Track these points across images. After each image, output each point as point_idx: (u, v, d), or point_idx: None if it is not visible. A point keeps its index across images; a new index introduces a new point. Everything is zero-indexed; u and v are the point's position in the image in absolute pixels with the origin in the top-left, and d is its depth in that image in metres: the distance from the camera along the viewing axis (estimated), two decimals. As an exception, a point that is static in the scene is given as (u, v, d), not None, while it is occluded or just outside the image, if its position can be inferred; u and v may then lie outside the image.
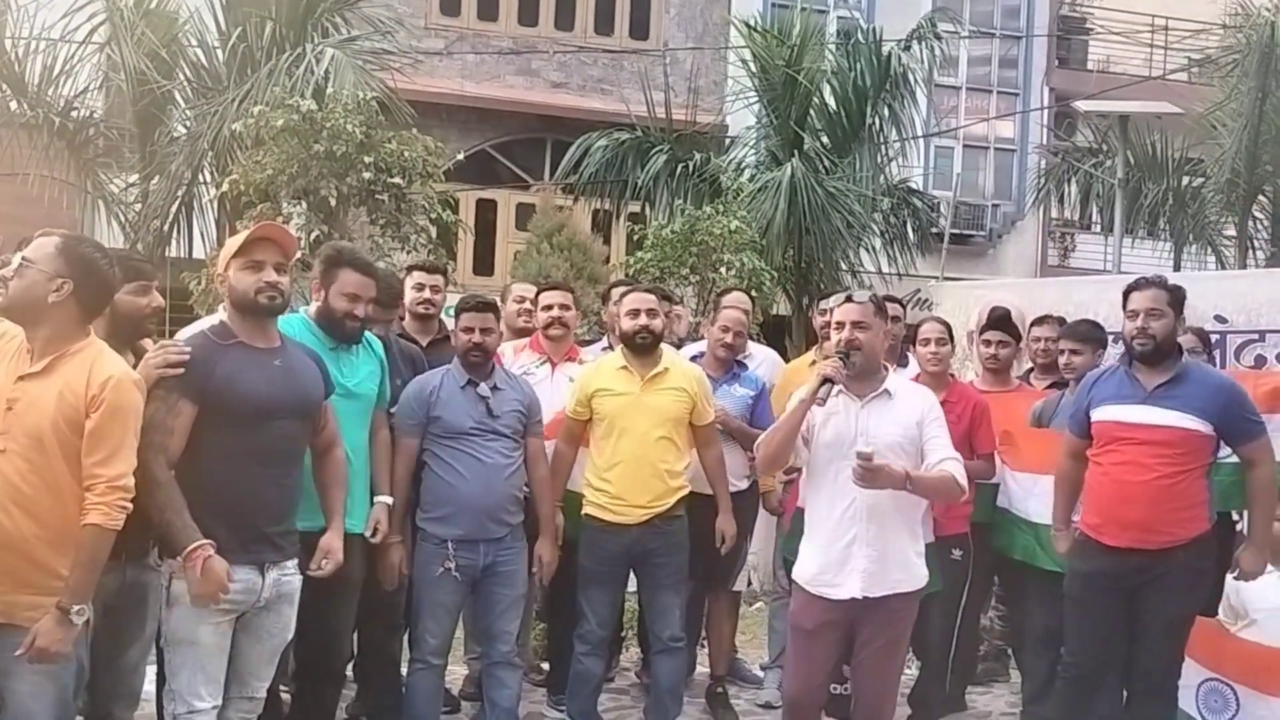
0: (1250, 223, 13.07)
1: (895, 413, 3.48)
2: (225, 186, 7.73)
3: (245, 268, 3.17)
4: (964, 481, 3.52)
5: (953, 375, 4.82)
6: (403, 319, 4.71)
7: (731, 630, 5.28)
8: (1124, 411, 3.83)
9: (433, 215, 8.06)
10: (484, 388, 4.09)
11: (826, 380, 3.40)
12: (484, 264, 15.29)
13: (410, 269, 4.86)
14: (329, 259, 3.75)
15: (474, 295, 4.32)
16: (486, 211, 15.42)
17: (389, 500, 3.90)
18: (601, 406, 4.26)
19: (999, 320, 4.98)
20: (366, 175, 7.51)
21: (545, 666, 5.12)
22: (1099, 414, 3.91)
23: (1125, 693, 4.18)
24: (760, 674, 5.34)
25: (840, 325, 3.50)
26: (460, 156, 10.53)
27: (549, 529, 4.22)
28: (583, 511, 4.33)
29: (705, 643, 5.18)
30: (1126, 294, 3.91)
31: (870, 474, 3.29)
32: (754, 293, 7.37)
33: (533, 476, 4.20)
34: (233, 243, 3.27)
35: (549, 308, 4.75)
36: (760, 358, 5.31)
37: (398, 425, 4.04)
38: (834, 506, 3.47)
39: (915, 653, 4.63)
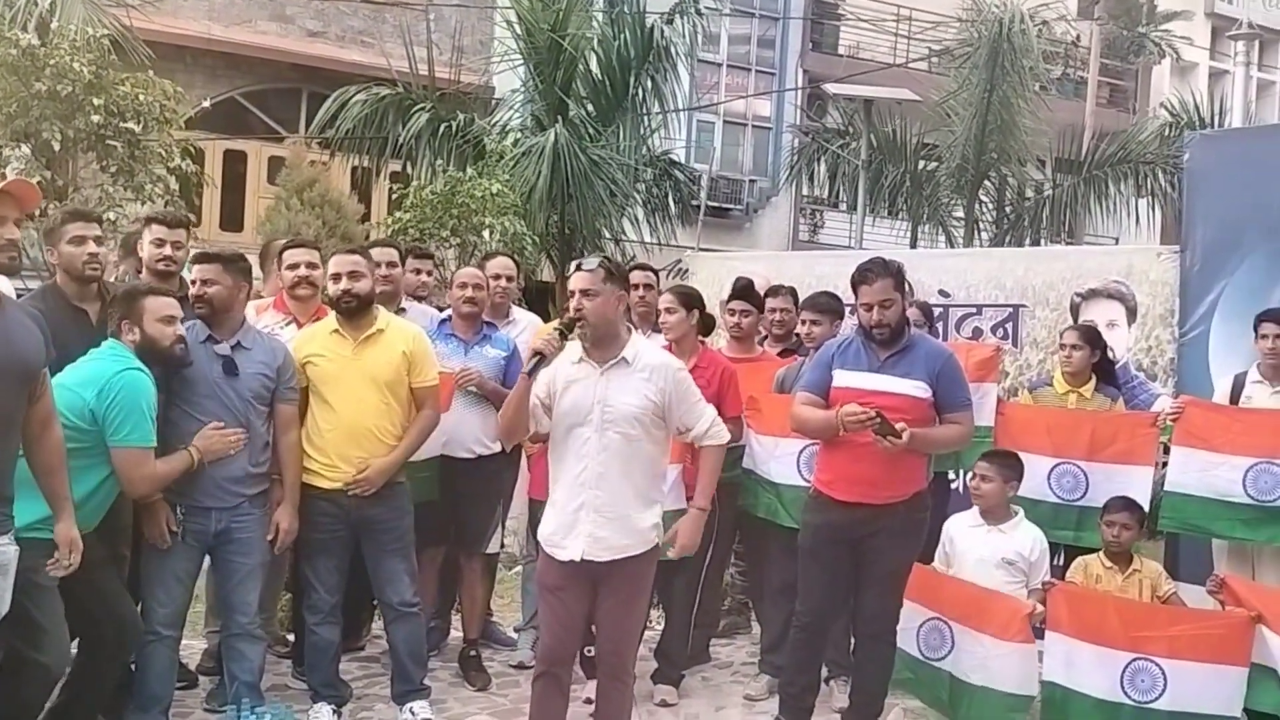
0: (976, 206, 14.15)
1: (634, 381, 3.51)
2: (-67, 123, 6.98)
3: None
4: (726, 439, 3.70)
5: (703, 341, 4.96)
6: (139, 273, 4.41)
7: (486, 593, 5.27)
8: (859, 379, 4.10)
9: (171, 165, 7.55)
10: (224, 345, 3.91)
11: (537, 354, 3.42)
12: (233, 219, 14.48)
13: (149, 220, 4.51)
14: (128, 296, 3.62)
15: (206, 249, 4.11)
16: (236, 164, 14.60)
17: None
18: (313, 372, 4.12)
19: (742, 290, 5.17)
20: (96, 119, 6.97)
21: (290, 638, 4.96)
22: (840, 380, 4.16)
23: (851, 638, 4.50)
24: (514, 636, 5.37)
25: (573, 294, 3.53)
26: (206, 104, 9.97)
27: (290, 495, 4.08)
28: (301, 480, 4.18)
29: (460, 607, 5.16)
30: (855, 286, 4.13)
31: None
32: (517, 258, 7.34)
33: (280, 441, 4.05)
34: None
35: (295, 266, 4.54)
36: (523, 323, 5.32)
37: None
38: (568, 471, 3.52)
39: (663, 608, 4.81)
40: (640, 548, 3.56)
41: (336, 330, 4.18)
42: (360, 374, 4.13)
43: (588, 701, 4.12)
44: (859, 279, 4.11)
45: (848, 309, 5.08)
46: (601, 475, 3.47)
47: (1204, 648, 4.09)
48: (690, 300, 4.81)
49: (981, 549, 4.41)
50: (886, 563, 4.10)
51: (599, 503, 3.48)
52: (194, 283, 3.94)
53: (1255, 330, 4.77)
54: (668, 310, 4.76)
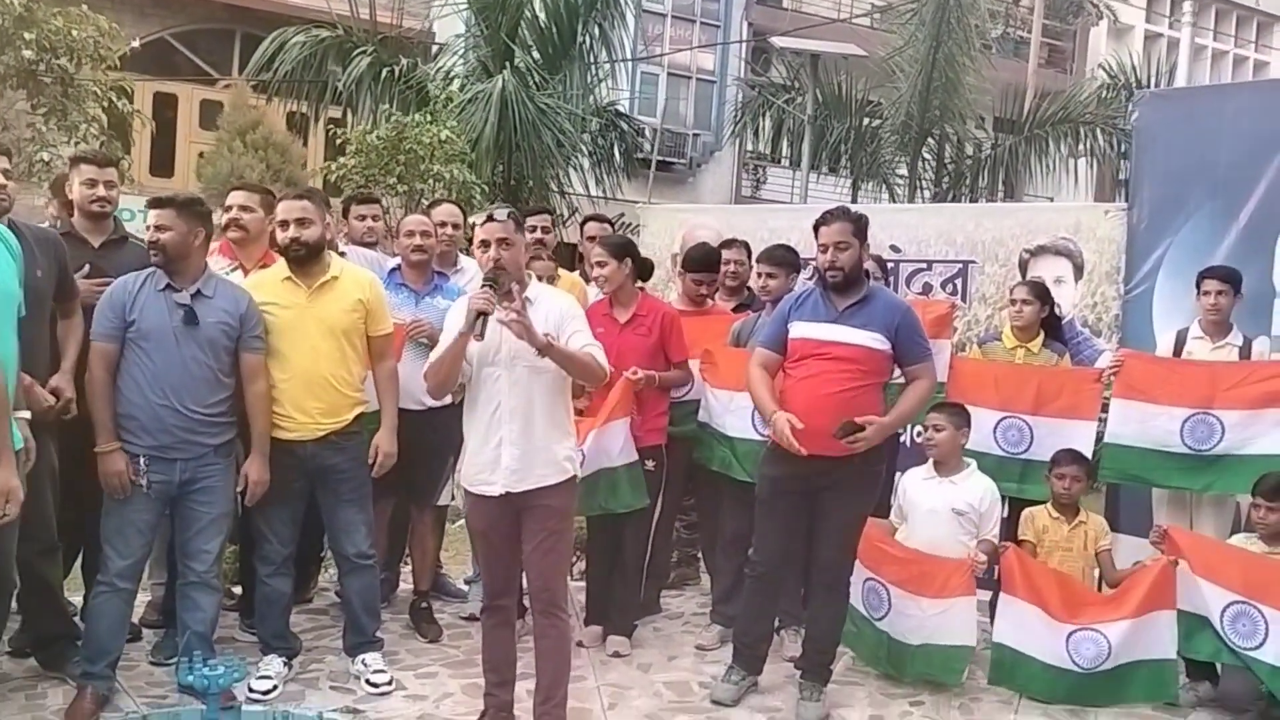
0: (919, 163, 14.25)
1: (536, 317, 3.53)
2: None
3: None
4: (604, 363, 3.65)
5: (641, 288, 4.90)
6: (71, 215, 4.24)
7: (436, 545, 5.23)
8: (817, 329, 4.10)
9: (105, 104, 7.27)
10: (184, 294, 3.80)
11: (481, 314, 3.41)
12: (163, 164, 14.06)
13: (76, 160, 4.32)
14: None
15: (159, 195, 3.96)
16: (165, 107, 14.14)
17: (27, 415, 3.48)
18: (266, 321, 4.01)
19: (703, 259, 5.19)
20: (27, 54, 6.64)
21: (237, 590, 4.88)
22: (795, 331, 4.16)
23: (804, 589, 4.55)
24: (465, 588, 5.35)
25: (485, 244, 3.52)
26: (135, 44, 9.62)
27: (260, 446, 3.98)
28: (269, 430, 4.11)
29: (409, 559, 5.12)
30: (816, 227, 4.15)
31: (520, 327, 3.36)
32: (464, 206, 7.22)
33: (247, 391, 3.95)
34: None
35: (229, 208, 4.42)
36: (471, 271, 5.21)
37: (94, 328, 3.72)
38: (485, 410, 3.57)
39: (615, 560, 4.81)
40: (557, 477, 3.61)
41: (289, 278, 4.08)
42: (315, 322, 4.04)
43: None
44: (820, 221, 4.14)
45: (803, 263, 5.08)
46: (514, 409, 3.54)
47: (1135, 601, 4.22)
48: (621, 250, 4.76)
49: (933, 499, 4.48)
50: (842, 514, 4.14)
51: (514, 435, 3.53)
52: (148, 228, 3.80)
53: (1198, 286, 4.87)
54: (599, 263, 4.71)
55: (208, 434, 3.84)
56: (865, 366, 4.05)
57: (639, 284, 4.86)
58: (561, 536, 3.69)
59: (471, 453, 3.64)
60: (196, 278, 3.86)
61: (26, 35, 6.59)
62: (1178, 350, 4.96)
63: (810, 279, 4.96)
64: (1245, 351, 4.82)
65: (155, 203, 3.88)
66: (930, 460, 4.59)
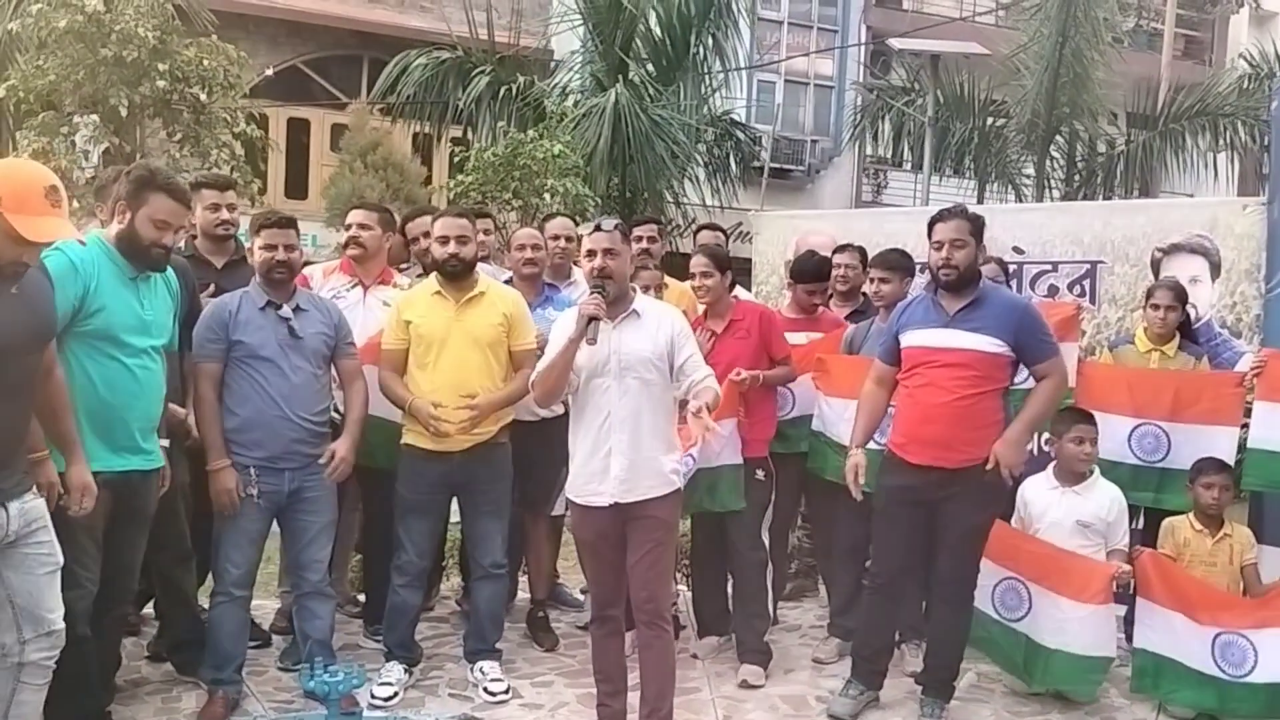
0: (1047, 162, 13.78)
1: (645, 329, 3.61)
2: (2, 93, 7.05)
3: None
4: (719, 390, 3.68)
5: (735, 297, 4.84)
6: (194, 238, 4.43)
7: (552, 555, 5.28)
8: (929, 336, 3.98)
9: (236, 130, 7.59)
10: (286, 309, 3.94)
11: (592, 319, 3.48)
12: (297, 187, 14.63)
13: (198, 185, 4.52)
14: (141, 180, 3.44)
15: (273, 211, 4.12)
16: (299, 131, 14.73)
17: (165, 442, 3.68)
18: (416, 333, 4.16)
19: (815, 270, 5.11)
20: (161, 84, 7.00)
21: (361, 598, 5.00)
22: (907, 339, 4.05)
23: (925, 602, 4.42)
24: (581, 597, 5.36)
25: (592, 254, 3.60)
26: (269, 72, 10.04)
27: (352, 432, 4.07)
28: (402, 441, 4.22)
29: (526, 568, 5.17)
30: (931, 224, 4.04)
31: None
32: (578, 219, 7.30)
33: (347, 391, 4.11)
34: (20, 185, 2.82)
35: (348, 227, 4.59)
36: (584, 284, 5.26)
37: (196, 350, 3.88)
38: (593, 421, 3.59)
39: (731, 572, 4.75)
40: (664, 488, 3.62)
41: (438, 292, 4.21)
42: (464, 334, 4.16)
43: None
44: (935, 218, 4.04)
45: (918, 266, 4.96)
46: (625, 419, 3.56)
47: None
48: (722, 262, 4.72)
49: (1057, 511, 4.31)
50: (961, 526, 4.00)
51: (623, 445, 3.56)
52: (272, 247, 3.94)
53: None
54: (704, 274, 4.65)
55: (313, 443, 3.96)
56: (980, 372, 3.90)
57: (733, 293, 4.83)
58: (666, 548, 3.70)
59: (579, 464, 3.66)
60: (294, 294, 4.01)
61: (160, 66, 6.94)
62: (1322, 351, 4.66)
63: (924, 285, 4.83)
64: (1392, 350, 4.50)
65: (284, 222, 4.02)
66: (1051, 468, 4.41)
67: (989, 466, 3.85)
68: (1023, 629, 4.33)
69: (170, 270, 3.64)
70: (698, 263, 4.70)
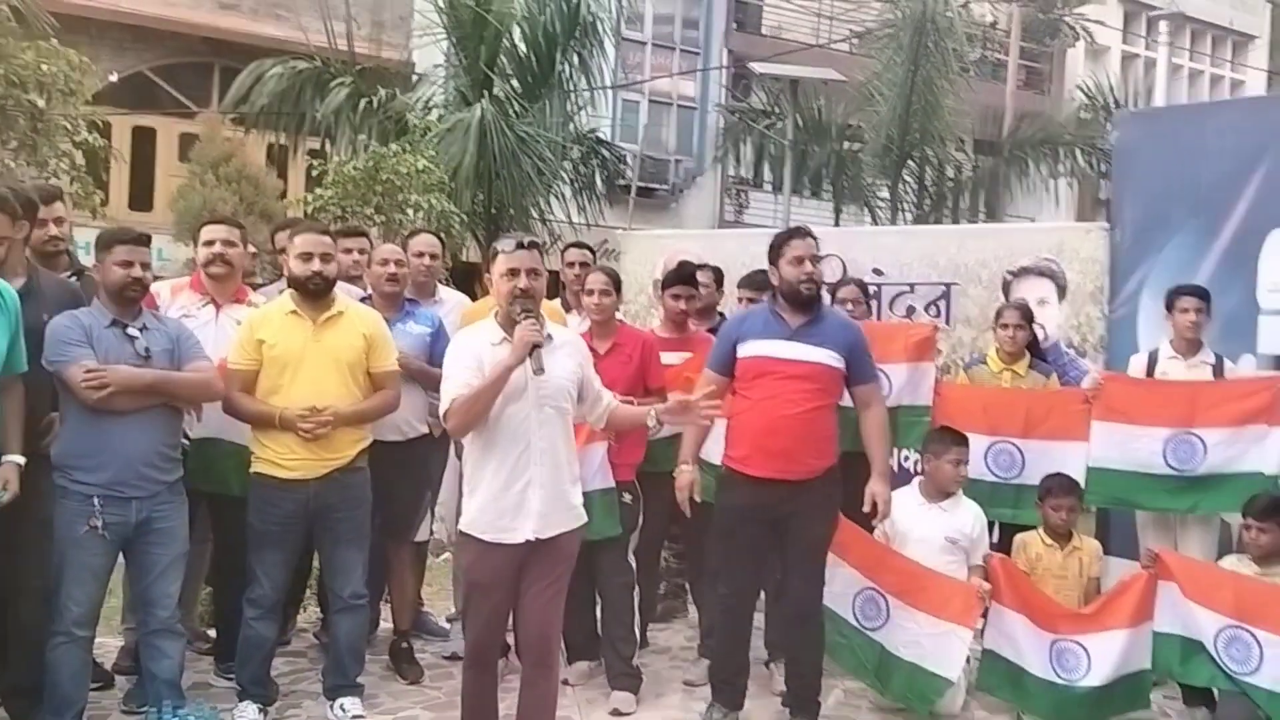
0: (900, 185, 14.27)
1: (559, 356, 3.47)
2: None
3: None
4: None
5: (620, 321, 4.86)
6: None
7: (416, 583, 5.12)
8: (772, 347, 4.04)
9: (77, 139, 7.18)
10: (133, 328, 3.73)
11: (535, 347, 3.31)
12: (142, 199, 13.96)
13: None
14: None
15: (126, 228, 3.88)
16: (145, 141, 14.07)
17: (19, 460, 3.48)
18: (271, 354, 3.97)
19: (689, 275, 5.09)
20: (-5, 89, 6.57)
21: (212, 634, 4.75)
22: (747, 349, 4.09)
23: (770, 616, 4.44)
24: (447, 626, 5.23)
25: (514, 273, 3.41)
26: (113, 78, 9.58)
27: (165, 385, 3.76)
28: (252, 469, 4.03)
29: (389, 597, 5.01)
30: (785, 241, 4.11)
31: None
32: (443, 236, 7.16)
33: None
34: None
35: (210, 243, 4.34)
36: (451, 302, 5.16)
37: (65, 356, 3.58)
38: (509, 452, 3.40)
39: (599, 595, 4.69)
40: (575, 522, 3.54)
41: (294, 311, 4.03)
42: (321, 355, 3.99)
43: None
44: (791, 235, 4.13)
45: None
46: (544, 450, 3.41)
47: (1117, 615, 4.20)
48: (618, 282, 4.76)
49: (925, 527, 4.41)
50: (809, 539, 4.07)
51: (544, 478, 3.40)
52: (127, 264, 3.71)
53: (1170, 306, 4.85)
54: (603, 293, 4.64)
55: (164, 469, 3.75)
56: (822, 385, 4.02)
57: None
58: (564, 585, 3.58)
59: (488, 498, 3.42)
60: (140, 313, 3.80)
61: (-7, 71, 6.53)
62: (1150, 369, 4.94)
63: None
64: (1218, 369, 4.81)
65: (141, 239, 3.80)
66: (918, 484, 4.52)
67: (865, 509, 4.00)
68: (878, 638, 4.41)
69: (5, 287, 3.40)
70: (596, 280, 4.66)
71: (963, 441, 4.49)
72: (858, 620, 4.44)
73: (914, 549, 4.40)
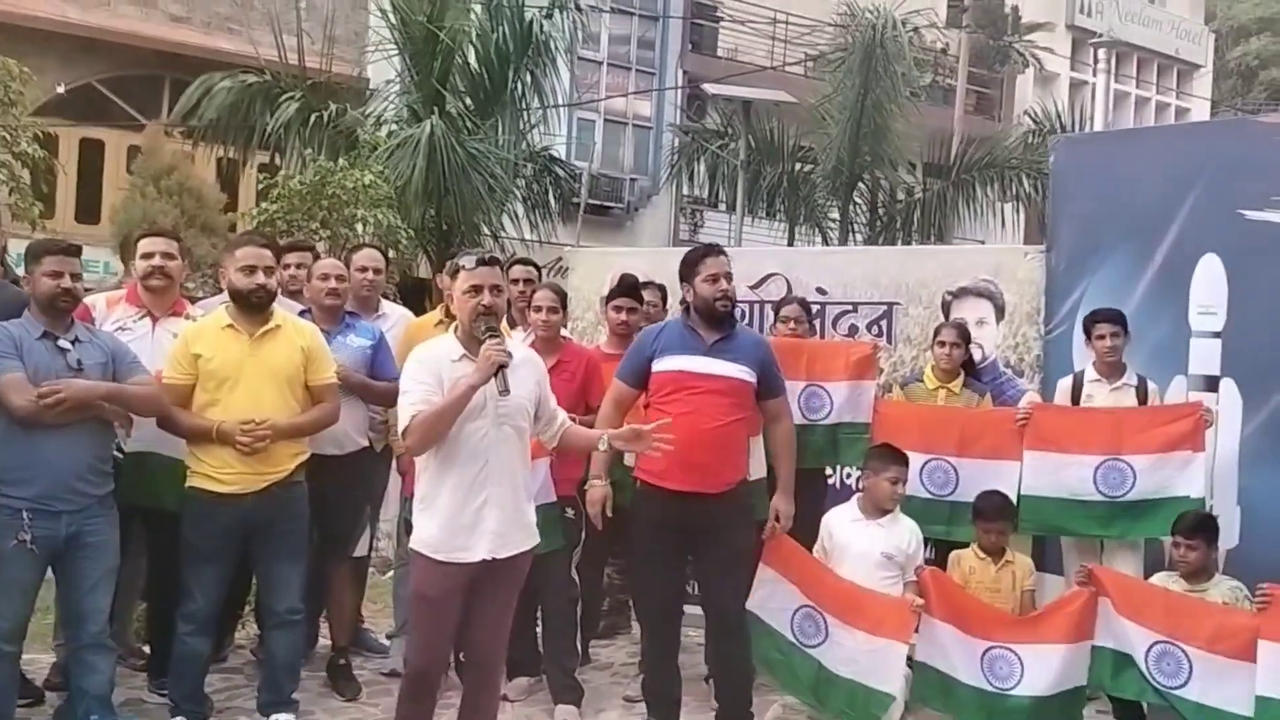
0: (851, 207, 14.43)
1: (520, 375, 3.45)
2: None
3: None
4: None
5: (566, 337, 4.89)
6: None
7: (355, 599, 5.09)
8: (690, 362, 4.09)
9: (17, 149, 7.09)
10: (64, 340, 3.70)
11: (501, 367, 3.29)
12: (89, 211, 13.77)
13: None
14: None
15: (55, 238, 3.86)
16: (93, 153, 13.91)
17: None
18: (207, 367, 3.94)
19: (629, 287, 5.11)
20: (-68, 98, 6.48)
21: (147, 650, 4.69)
22: (664, 364, 4.13)
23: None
24: (386, 643, 5.20)
25: (477, 290, 3.39)
26: (60, 89, 9.45)
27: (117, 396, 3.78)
28: (187, 484, 4.00)
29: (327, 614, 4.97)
30: (700, 259, 4.18)
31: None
32: (391, 251, 7.15)
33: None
34: None
35: (149, 255, 4.30)
36: (394, 317, 5.15)
37: (1, 366, 3.56)
38: (466, 470, 3.38)
39: (542, 610, 4.69)
40: (530, 541, 3.54)
41: (230, 325, 4.01)
42: (258, 369, 3.98)
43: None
44: (705, 253, 4.21)
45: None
46: (501, 469, 3.40)
47: (1057, 629, 4.25)
48: (564, 298, 4.81)
49: (863, 543, 4.45)
50: (730, 550, 4.11)
51: (501, 498, 3.39)
52: (57, 275, 3.69)
53: (1089, 331, 4.96)
54: (550, 309, 4.66)
55: (94, 483, 3.72)
56: (738, 400, 4.09)
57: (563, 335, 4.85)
58: (513, 604, 3.58)
59: (444, 516, 3.39)
60: (71, 325, 3.77)
61: (-68, 79, 6.44)
62: (1075, 393, 5.03)
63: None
64: (1141, 390, 4.92)
65: (71, 250, 3.79)
66: (856, 500, 4.56)
67: (770, 523, 4.15)
68: (816, 655, 4.44)
69: None
70: (544, 296, 4.68)
71: (901, 460, 4.54)
72: (796, 637, 4.47)
73: (851, 564, 4.44)
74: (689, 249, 4.43)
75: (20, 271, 4.32)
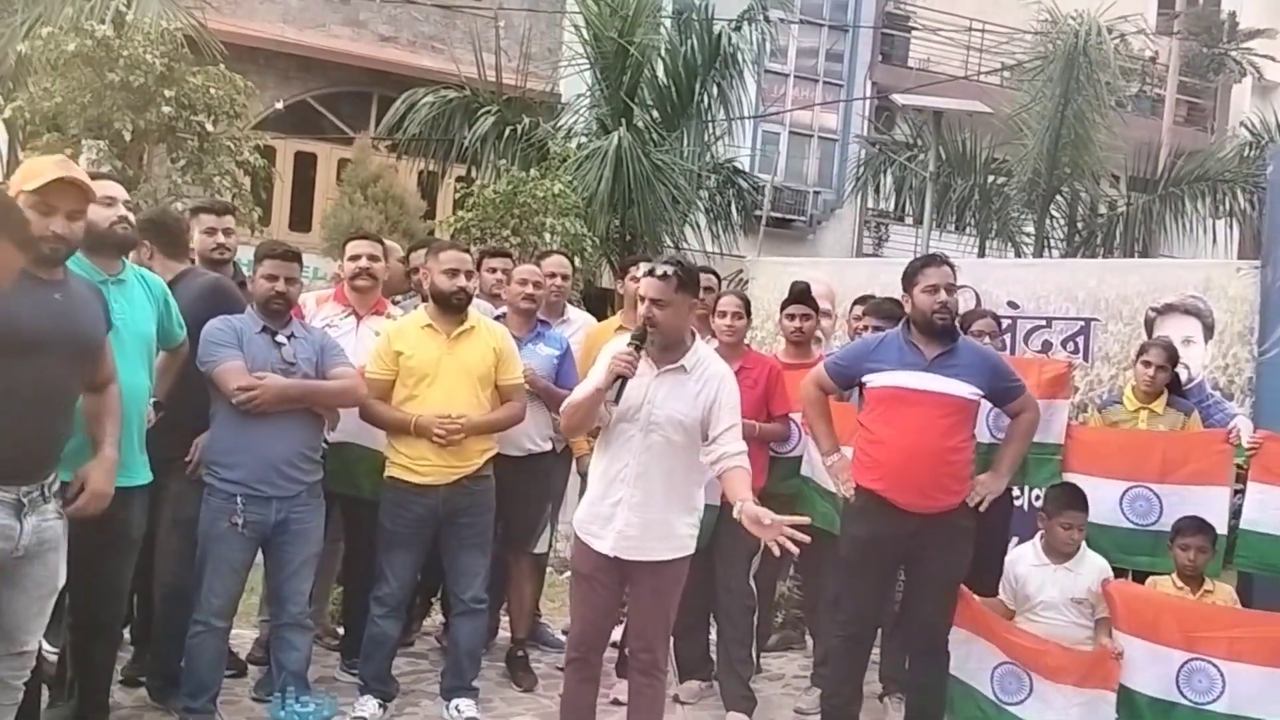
0: (1047, 221, 13.86)
1: (686, 389, 3.45)
2: (8, 113, 7.12)
3: (36, 207, 2.89)
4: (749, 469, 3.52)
5: (748, 345, 4.89)
6: (193, 262, 4.44)
7: (534, 593, 5.23)
8: (909, 378, 3.97)
9: (240, 158, 7.64)
10: (280, 335, 3.95)
11: (619, 378, 3.34)
12: (301, 219, 14.69)
13: (195, 210, 4.55)
14: None
15: (278, 242, 4.13)
16: (306, 165, 14.83)
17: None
18: (407, 364, 4.15)
19: (800, 294, 5.07)
20: (167, 110, 7.06)
21: (341, 631, 4.95)
22: (880, 379, 4.02)
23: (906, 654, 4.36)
24: (562, 638, 5.30)
25: (642, 300, 3.45)
26: (280, 105, 10.09)
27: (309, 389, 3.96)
28: (385, 474, 4.20)
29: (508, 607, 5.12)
30: (920, 269, 4.04)
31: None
32: (576, 259, 7.33)
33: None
34: (28, 175, 2.98)
35: (356, 257, 4.58)
36: (578, 323, 5.28)
37: (216, 357, 3.82)
38: (611, 465, 3.48)
39: (720, 615, 4.69)
40: (672, 553, 3.51)
41: (429, 325, 4.21)
42: (455, 367, 4.16)
43: (615, 702, 4.13)
44: (926, 262, 4.07)
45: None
46: (640, 475, 3.43)
47: (1263, 651, 3.94)
48: (749, 306, 4.81)
49: (1050, 590, 4.25)
50: (943, 573, 3.99)
51: (635, 501, 3.43)
52: (273, 278, 3.95)
53: None
54: (735, 315, 4.68)
55: (303, 471, 3.93)
56: (960, 417, 3.94)
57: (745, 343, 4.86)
58: (670, 598, 3.59)
59: (590, 499, 3.56)
60: (288, 323, 4.01)
61: (166, 93, 7.01)
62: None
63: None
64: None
65: (289, 254, 4.03)
66: (1040, 542, 4.35)
67: (969, 496, 3.95)
68: (1018, 712, 4.21)
69: (153, 277, 3.69)
70: (729, 303, 4.72)
71: (1079, 505, 4.28)
72: (997, 695, 4.28)
73: (1042, 613, 4.24)
74: (909, 260, 4.26)
75: (248, 273, 4.65)
